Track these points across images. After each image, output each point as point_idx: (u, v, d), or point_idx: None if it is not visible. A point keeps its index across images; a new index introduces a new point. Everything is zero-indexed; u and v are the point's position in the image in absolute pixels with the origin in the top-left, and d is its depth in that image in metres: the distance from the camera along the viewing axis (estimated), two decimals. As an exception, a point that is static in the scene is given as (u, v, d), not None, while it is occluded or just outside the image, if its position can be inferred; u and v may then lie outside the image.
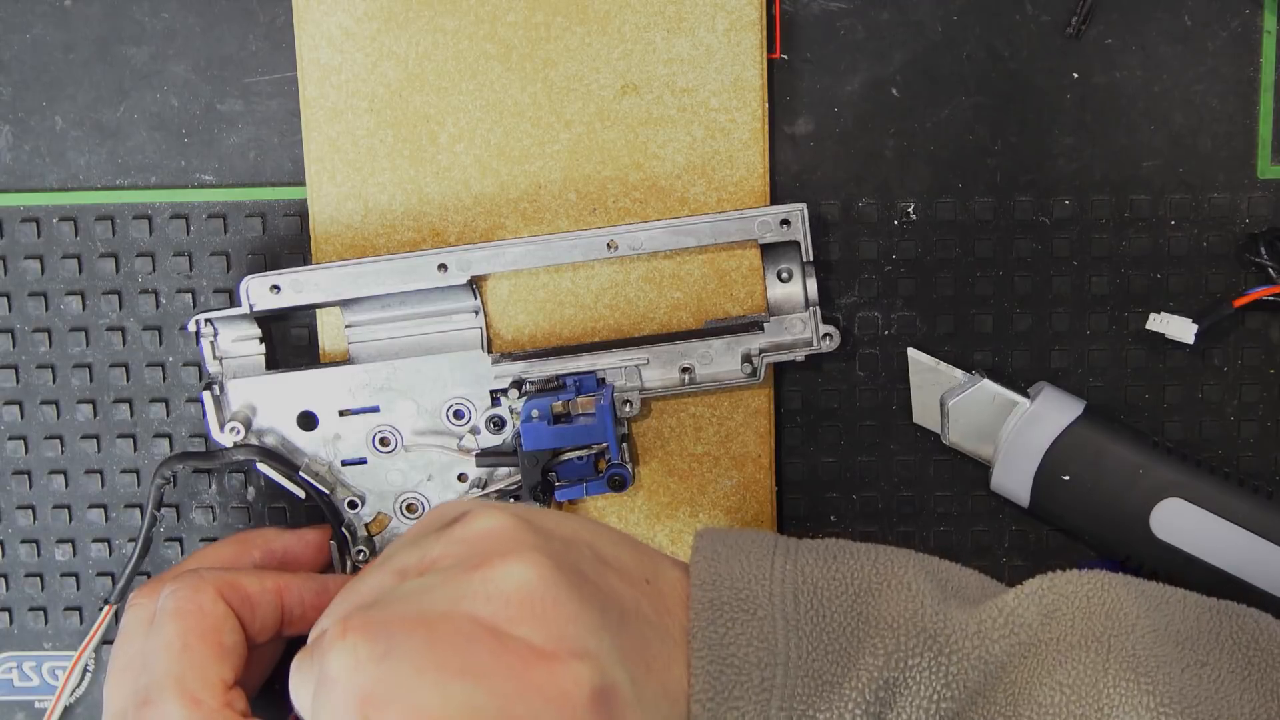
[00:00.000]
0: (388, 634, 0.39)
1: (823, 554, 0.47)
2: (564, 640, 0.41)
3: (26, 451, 0.60)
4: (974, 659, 0.45)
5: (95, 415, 0.59)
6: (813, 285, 0.56)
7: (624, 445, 0.56)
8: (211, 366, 0.57)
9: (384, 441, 0.57)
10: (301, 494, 0.56)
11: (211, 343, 0.57)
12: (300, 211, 0.58)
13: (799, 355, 0.56)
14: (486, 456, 0.56)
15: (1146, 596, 0.48)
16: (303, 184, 0.57)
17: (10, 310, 0.59)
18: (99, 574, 0.60)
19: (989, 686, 0.46)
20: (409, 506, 0.57)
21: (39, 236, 0.58)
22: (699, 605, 0.45)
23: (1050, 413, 0.56)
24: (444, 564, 0.43)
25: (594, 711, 0.40)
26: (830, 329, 0.56)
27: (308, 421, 0.57)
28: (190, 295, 0.58)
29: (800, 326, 0.56)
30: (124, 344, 0.59)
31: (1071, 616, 0.47)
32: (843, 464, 0.59)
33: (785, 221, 0.55)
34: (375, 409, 0.57)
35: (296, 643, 0.56)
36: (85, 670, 0.59)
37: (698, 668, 0.44)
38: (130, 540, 0.59)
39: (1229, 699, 0.46)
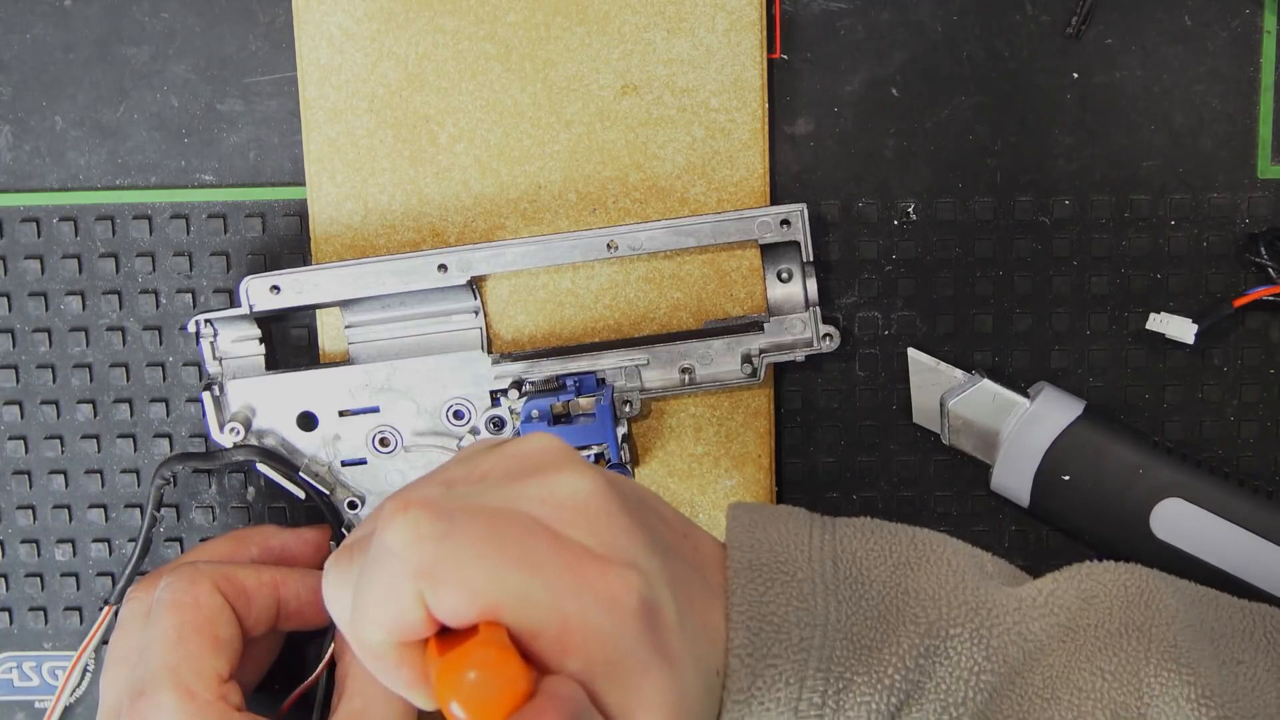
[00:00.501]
0: (450, 516, 0.39)
1: (860, 529, 0.47)
2: (615, 549, 0.40)
3: (26, 451, 0.60)
4: (1014, 634, 0.45)
5: (95, 415, 0.59)
6: (813, 285, 0.56)
7: (624, 445, 0.56)
8: (211, 367, 0.57)
9: (384, 442, 0.57)
10: (301, 494, 0.57)
11: (211, 343, 0.57)
12: (300, 211, 0.58)
13: (799, 355, 0.56)
14: (486, 457, 0.56)
15: (1182, 592, 0.48)
16: (303, 184, 0.57)
17: (10, 310, 0.59)
18: (99, 574, 0.60)
19: (1027, 667, 0.45)
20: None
21: (39, 236, 0.58)
22: (737, 565, 0.45)
23: (1050, 413, 0.56)
24: (496, 474, 0.42)
25: (641, 620, 0.40)
26: (830, 329, 0.56)
27: (307, 422, 0.57)
28: (190, 295, 0.58)
29: (800, 327, 0.56)
30: (124, 344, 0.59)
31: (1109, 604, 0.47)
32: (843, 464, 0.59)
33: (785, 222, 0.55)
34: (375, 409, 0.57)
35: (295, 640, 0.57)
36: (85, 670, 0.59)
37: (736, 622, 0.43)
38: (130, 540, 0.59)
39: (1265, 698, 0.46)
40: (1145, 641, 0.46)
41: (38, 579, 0.60)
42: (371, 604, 0.39)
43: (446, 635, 0.39)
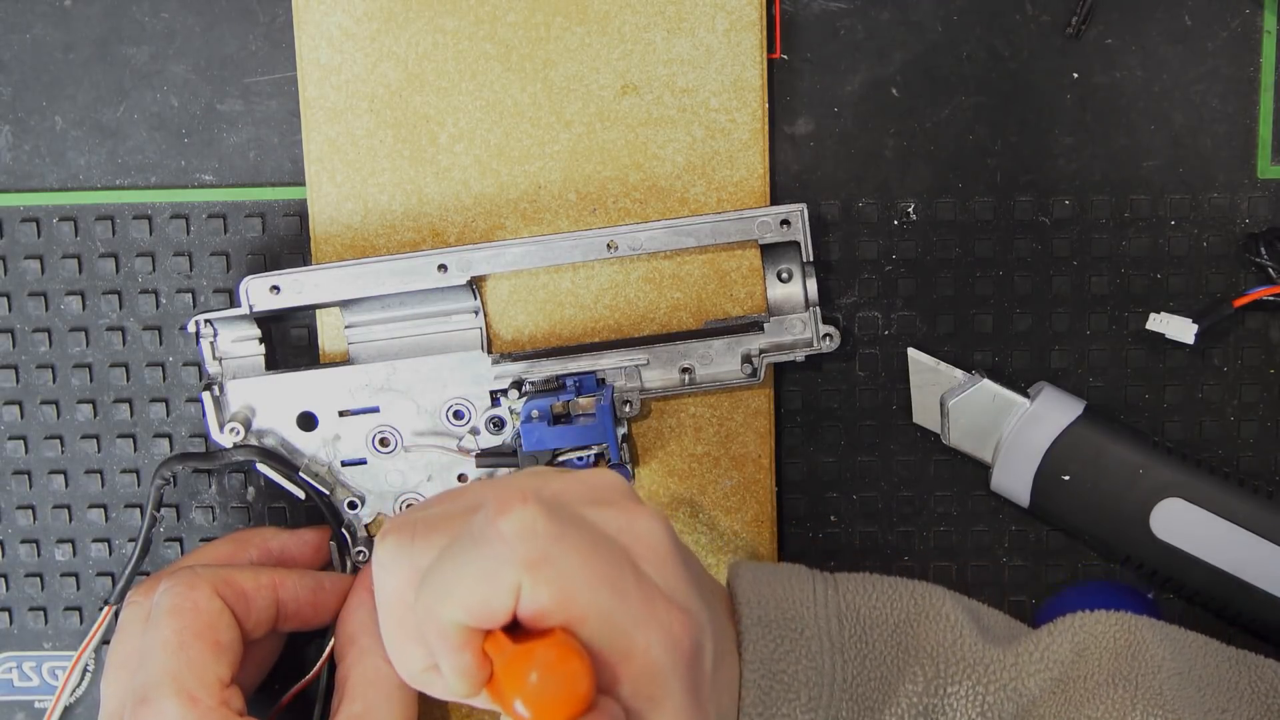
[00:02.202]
0: (563, 524, 0.40)
1: (861, 583, 0.49)
2: (677, 593, 0.42)
3: (26, 451, 0.60)
4: (1010, 690, 0.47)
5: (95, 415, 0.59)
6: (813, 285, 0.56)
7: (624, 445, 0.56)
8: (211, 367, 0.57)
9: (384, 442, 0.57)
10: (301, 494, 0.56)
11: (211, 343, 0.57)
12: (300, 211, 0.58)
13: (799, 356, 0.56)
14: (486, 457, 0.56)
15: (1171, 640, 0.49)
16: (303, 184, 0.57)
17: (10, 310, 0.59)
18: (99, 574, 0.60)
19: (1019, 719, 0.46)
20: (409, 507, 0.57)
21: (39, 236, 0.58)
22: (748, 621, 0.46)
23: (1050, 413, 0.56)
24: (572, 496, 0.43)
25: (689, 664, 0.41)
26: (830, 329, 0.56)
27: (307, 422, 0.57)
28: (190, 295, 0.58)
29: (800, 327, 0.56)
30: (124, 344, 0.59)
31: (1099, 655, 0.48)
32: (843, 464, 0.59)
33: (785, 222, 0.55)
34: (375, 409, 0.57)
35: (295, 641, 0.57)
36: (85, 670, 0.59)
37: (749, 681, 0.45)
38: (130, 540, 0.59)
39: None
40: (1133, 690, 0.47)
41: (38, 579, 0.60)
42: (462, 582, 0.39)
43: (514, 633, 0.40)
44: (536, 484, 0.44)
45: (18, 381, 0.59)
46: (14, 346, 0.59)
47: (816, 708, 0.45)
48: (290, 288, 0.56)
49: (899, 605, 0.48)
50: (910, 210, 0.57)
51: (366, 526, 0.57)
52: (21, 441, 0.60)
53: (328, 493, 0.57)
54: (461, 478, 0.57)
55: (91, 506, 0.60)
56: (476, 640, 0.40)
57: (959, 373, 0.57)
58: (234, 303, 0.58)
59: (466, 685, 0.41)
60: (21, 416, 0.59)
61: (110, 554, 0.60)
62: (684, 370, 0.56)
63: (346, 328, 0.57)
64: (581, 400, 0.56)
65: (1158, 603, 0.58)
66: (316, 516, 0.57)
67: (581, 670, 0.38)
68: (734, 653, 0.46)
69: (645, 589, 0.41)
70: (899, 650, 0.47)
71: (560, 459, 0.56)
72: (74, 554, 0.60)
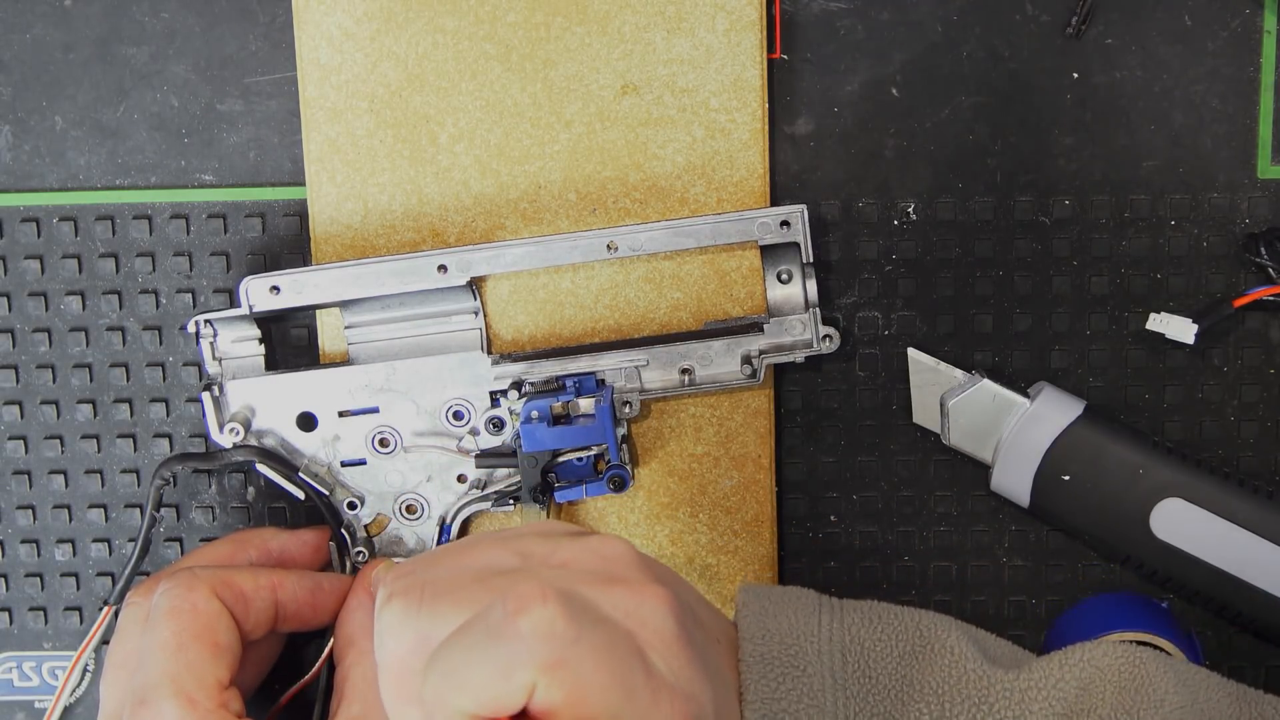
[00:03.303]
0: (579, 624, 0.40)
1: (867, 614, 0.48)
2: (681, 680, 0.42)
3: (26, 451, 0.60)
4: None
5: (95, 415, 0.59)
6: (812, 287, 0.56)
7: (624, 446, 0.56)
8: (211, 367, 0.57)
9: (383, 442, 0.57)
10: (301, 495, 0.56)
11: (211, 343, 0.57)
12: (300, 212, 0.58)
13: (799, 356, 0.56)
14: (486, 458, 0.56)
15: (1177, 674, 0.49)
16: (303, 184, 0.57)
17: (10, 310, 0.59)
18: (99, 574, 0.60)
19: None
20: (408, 508, 0.57)
21: (39, 236, 0.58)
22: (750, 660, 0.46)
23: (1050, 413, 0.56)
24: (580, 570, 0.43)
25: None
26: (830, 330, 0.56)
27: (307, 422, 0.57)
28: (190, 295, 0.58)
29: (800, 328, 0.56)
30: (124, 344, 0.59)
31: (1104, 689, 0.48)
32: (843, 464, 0.59)
33: (785, 223, 0.55)
34: (375, 410, 0.57)
35: (295, 641, 0.57)
36: (85, 670, 0.59)
37: None
38: (130, 540, 0.59)
39: None
40: None
41: (38, 579, 0.60)
42: (476, 675, 0.39)
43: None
44: (546, 551, 0.43)
45: (18, 381, 0.59)
46: (14, 346, 0.59)
47: None
48: (290, 288, 0.56)
49: (904, 638, 0.48)
50: (910, 210, 0.57)
51: (366, 527, 0.57)
52: (21, 441, 0.60)
53: (327, 493, 0.57)
54: (461, 478, 0.57)
55: (91, 506, 0.60)
56: None
57: (959, 373, 0.57)
58: (234, 303, 0.58)
59: None
60: (21, 416, 0.59)
61: (110, 554, 0.60)
62: (684, 371, 0.56)
63: (346, 328, 0.57)
64: (581, 401, 0.56)
65: (1173, 612, 0.58)
66: (316, 517, 0.57)
67: None
68: (733, 692, 0.45)
69: (653, 684, 0.41)
70: (903, 684, 0.47)
71: (560, 459, 0.56)
72: (74, 554, 0.60)
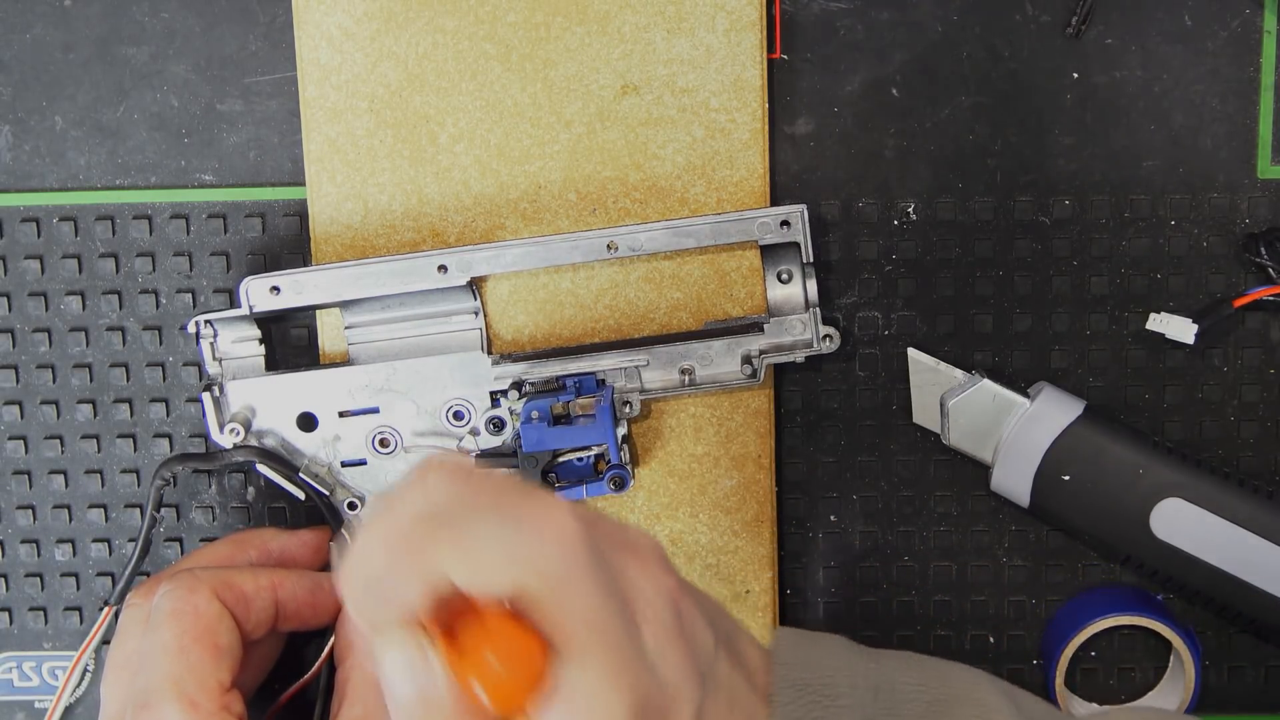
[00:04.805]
0: (593, 557, 0.40)
1: (901, 660, 0.48)
2: (659, 661, 0.41)
3: (26, 451, 0.60)
4: None
5: (95, 415, 0.59)
6: (813, 286, 0.56)
7: (624, 446, 0.56)
8: (211, 367, 0.57)
9: (383, 443, 0.57)
10: (301, 495, 0.56)
11: (211, 344, 0.57)
12: (300, 211, 0.58)
13: (799, 356, 0.56)
14: (486, 458, 0.56)
15: None
16: (303, 184, 0.57)
17: (10, 310, 0.59)
18: (99, 574, 0.60)
19: None
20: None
21: (39, 236, 0.58)
22: (783, 682, 0.45)
23: (1050, 413, 0.56)
24: (603, 528, 0.43)
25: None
26: (830, 330, 0.56)
27: (307, 423, 0.57)
28: (190, 295, 0.58)
29: (800, 328, 0.56)
30: (124, 344, 0.59)
31: None
32: (843, 464, 0.59)
33: (785, 223, 0.55)
34: (375, 410, 0.57)
35: (296, 641, 0.57)
36: (85, 670, 0.59)
37: None
38: (130, 540, 0.59)
39: None
40: None
41: (38, 579, 0.60)
42: (486, 551, 0.39)
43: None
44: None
45: (18, 381, 0.59)
46: (14, 346, 0.59)
47: None
48: (290, 288, 0.56)
49: (935, 685, 0.47)
50: (910, 210, 0.57)
51: (366, 527, 0.57)
52: (21, 441, 0.60)
53: (328, 493, 0.57)
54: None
55: (91, 506, 0.60)
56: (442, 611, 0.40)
57: (959, 373, 0.57)
58: (234, 303, 0.58)
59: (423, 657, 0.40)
60: (21, 416, 0.59)
61: (110, 554, 0.60)
62: (684, 371, 0.56)
63: (346, 328, 0.57)
64: (581, 401, 0.56)
65: (1166, 604, 0.58)
66: (316, 517, 0.57)
67: (538, 650, 0.38)
68: (759, 699, 0.45)
69: (630, 645, 0.40)
70: None
71: (560, 459, 0.56)
72: (74, 554, 0.60)
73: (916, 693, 0.47)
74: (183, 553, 0.60)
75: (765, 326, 0.56)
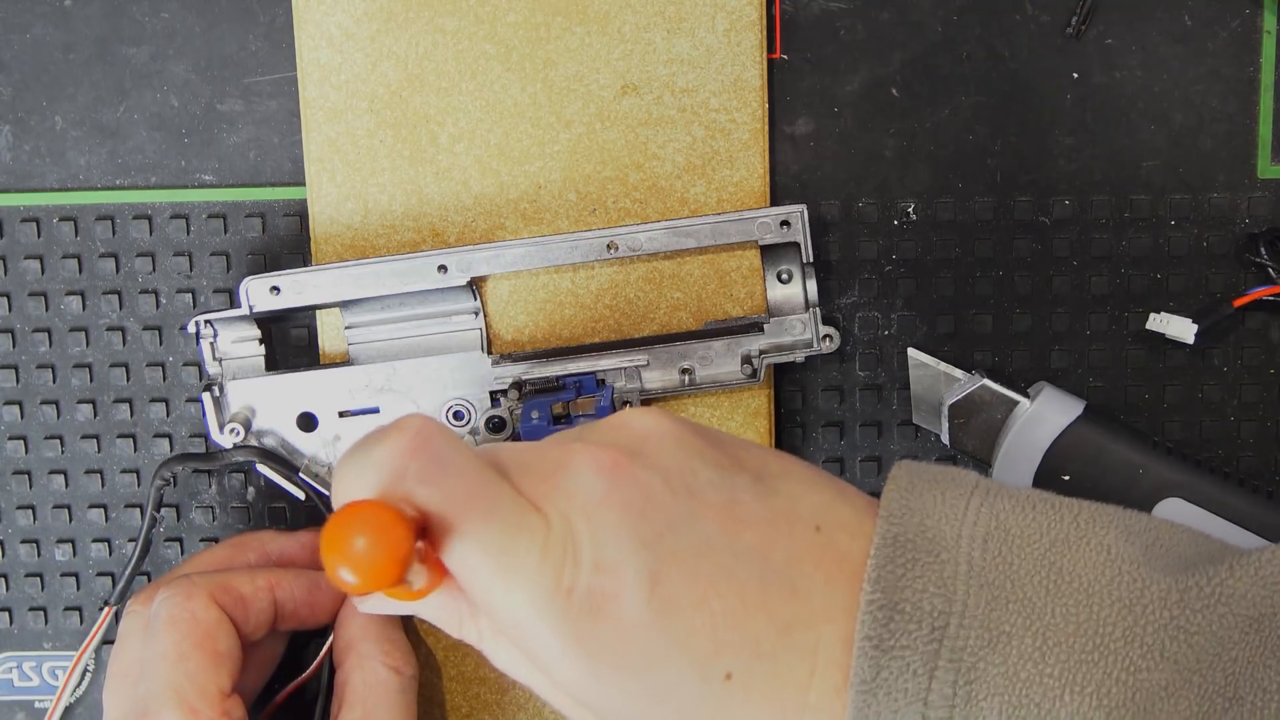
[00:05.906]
0: (445, 441, 0.42)
1: (1022, 502, 0.44)
2: (598, 550, 0.41)
3: (26, 451, 0.60)
4: (1172, 629, 0.42)
5: (95, 415, 0.59)
6: (813, 286, 0.56)
7: (624, 446, 0.56)
8: (211, 367, 0.57)
9: (384, 443, 0.57)
10: (301, 495, 0.57)
11: (211, 344, 0.57)
12: (300, 212, 0.58)
13: (799, 356, 0.56)
14: (486, 457, 0.56)
15: None
16: (303, 184, 0.57)
17: (10, 310, 0.59)
18: (99, 574, 0.60)
19: (1205, 664, 0.42)
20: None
21: (39, 236, 0.58)
22: (881, 540, 0.42)
23: (1050, 413, 0.56)
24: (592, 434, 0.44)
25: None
26: (830, 330, 0.56)
27: (307, 423, 0.57)
28: (190, 295, 0.58)
29: (800, 328, 0.56)
30: (124, 344, 0.59)
31: None
32: (843, 464, 0.59)
33: (785, 223, 0.55)
34: (375, 410, 0.57)
35: (296, 641, 0.57)
36: (85, 671, 0.59)
37: (866, 611, 0.41)
38: (130, 540, 0.59)
39: None
40: None
41: (38, 579, 0.60)
42: (357, 469, 0.42)
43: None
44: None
45: (18, 381, 0.59)
46: (14, 346, 0.59)
47: (940, 639, 0.41)
48: (290, 288, 0.56)
49: (1056, 527, 0.43)
50: (910, 210, 0.57)
51: (366, 527, 0.57)
52: (21, 441, 0.60)
53: (328, 493, 0.57)
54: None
55: (91, 506, 0.60)
56: None
57: (959, 373, 0.57)
58: (234, 303, 0.58)
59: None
60: (21, 416, 0.59)
61: (110, 554, 0.60)
62: (684, 371, 0.56)
63: (346, 328, 0.57)
64: (581, 401, 0.56)
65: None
66: (316, 517, 0.57)
67: (404, 534, 0.40)
68: (838, 590, 0.42)
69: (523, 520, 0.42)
70: (1050, 571, 0.42)
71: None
72: (74, 554, 0.60)
73: (1034, 536, 0.43)
74: (183, 553, 0.60)
75: (765, 326, 0.56)
